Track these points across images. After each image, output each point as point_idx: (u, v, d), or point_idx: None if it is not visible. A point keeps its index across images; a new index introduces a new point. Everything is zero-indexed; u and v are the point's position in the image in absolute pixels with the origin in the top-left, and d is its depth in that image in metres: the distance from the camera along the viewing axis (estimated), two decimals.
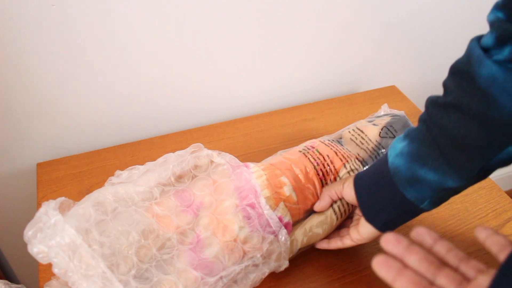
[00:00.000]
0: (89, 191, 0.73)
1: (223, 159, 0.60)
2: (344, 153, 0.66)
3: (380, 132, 0.68)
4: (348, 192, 0.57)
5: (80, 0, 0.69)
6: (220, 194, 0.58)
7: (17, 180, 0.85)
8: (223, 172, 0.59)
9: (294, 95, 0.97)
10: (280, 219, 0.58)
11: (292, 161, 0.63)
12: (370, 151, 0.67)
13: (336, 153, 0.65)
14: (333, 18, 0.89)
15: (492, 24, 0.44)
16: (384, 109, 0.76)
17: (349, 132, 0.70)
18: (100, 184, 0.74)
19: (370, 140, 0.68)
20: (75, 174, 0.76)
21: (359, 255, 0.65)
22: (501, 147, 0.45)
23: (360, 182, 0.56)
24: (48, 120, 0.81)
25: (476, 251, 0.66)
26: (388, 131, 0.68)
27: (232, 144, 0.83)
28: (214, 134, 0.85)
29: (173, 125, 0.90)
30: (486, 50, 0.44)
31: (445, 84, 0.48)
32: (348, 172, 0.64)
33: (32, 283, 1.01)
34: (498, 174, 1.52)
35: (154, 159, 0.79)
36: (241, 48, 0.86)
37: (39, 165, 0.78)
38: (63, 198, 0.53)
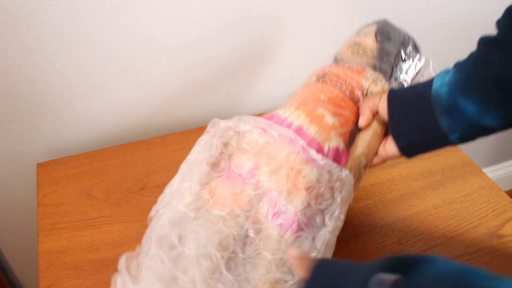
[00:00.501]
0: (89, 191, 0.73)
1: (248, 125, 0.57)
2: (357, 66, 0.64)
3: (375, 39, 0.67)
4: (383, 106, 0.56)
5: (80, 0, 0.69)
6: (270, 158, 0.54)
7: (17, 180, 0.85)
8: (253, 141, 0.55)
9: None
10: (337, 149, 0.55)
11: (317, 92, 0.60)
12: (376, 58, 0.65)
13: (350, 69, 0.63)
14: (333, 18, 0.89)
15: None
16: (360, 25, 0.73)
17: (347, 49, 0.67)
18: (100, 184, 0.74)
19: (371, 49, 0.66)
20: (75, 174, 0.76)
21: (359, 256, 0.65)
22: None
23: (394, 99, 0.55)
24: (48, 120, 0.81)
25: (476, 251, 0.66)
26: (382, 35, 0.67)
27: None
28: None
29: (173, 125, 0.90)
30: None
31: (498, 23, 0.49)
32: (370, 82, 0.62)
33: (32, 283, 1.01)
34: (498, 174, 1.52)
35: (154, 159, 0.79)
36: (241, 48, 0.86)
37: (39, 165, 0.78)
38: (123, 258, 0.51)
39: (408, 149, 0.55)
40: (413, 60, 0.67)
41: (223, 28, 0.82)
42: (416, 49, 0.68)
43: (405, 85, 0.65)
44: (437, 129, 0.52)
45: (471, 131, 0.51)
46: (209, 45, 0.83)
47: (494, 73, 0.47)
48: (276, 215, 0.51)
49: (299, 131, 0.54)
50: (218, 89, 0.90)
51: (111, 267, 0.62)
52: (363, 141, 0.58)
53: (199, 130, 0.86)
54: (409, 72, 0.66)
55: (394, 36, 0.67)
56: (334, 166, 0.54)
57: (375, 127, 0.58)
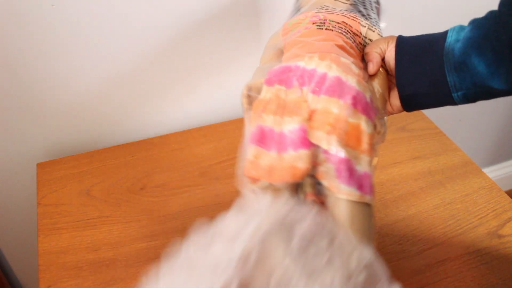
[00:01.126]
0: (89, 191, 0.73)
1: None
2: (349, 13, 0.61)
3: None
4: (391, 53, 0.55)
5: (80, 0, 0.69)
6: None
7: (17, 180, 0.85)
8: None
9: None
10: (370, 99, 0.53)
11: (329, 39, 0.56)
12: (359, 4, 0.63)
13: (344, 16, 0.60)
14: None
15: None
16: None
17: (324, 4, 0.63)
18: (100, 184, 0.74)
19: None
20: (75, 174, 0.76)
21: None
22: None
23: (403, 46, 0.54)
24: (48, 120, 0.81)
25: (475, 251, 0.66)
26: None
27: (232, 144, 0.83)
28: (214, 134, 0.85)
29: (173, 125, 0.90)
30: None
31: None
32: (367, 29, 0.60)
33: (32, 283, 1.01)
34: (498, 174, 1.52)
35: (154, 159, 0.79)
36: (240, 48, 0.86)
37: (39, 165, 0.78)
38: None
39: (410, 101, 0.54)
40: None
41: (223, 28, 0.82)
42: None
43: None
44: (443, 84, 0.51)
45: (476, 92, 0.51)
46: (209, 44, 0.83)
47: (511, 35, 0.46)
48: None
49: (338, 82, 0.50)
50: (218, 89, 0.90)
51: (111, 267, 0.62)
52: (376, 86, 0.56)
53: (199, 130, 0.86)
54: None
55: None
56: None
57: (383, 72, 0.56)
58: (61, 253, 0.64)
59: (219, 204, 0.71)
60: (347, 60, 0.53)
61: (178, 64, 0.83)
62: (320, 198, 0.49)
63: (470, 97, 0.52)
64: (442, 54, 0.51)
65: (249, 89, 0.53)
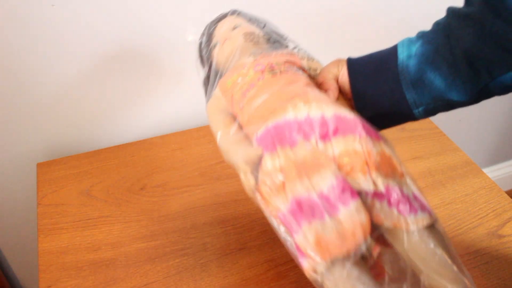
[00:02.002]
0: (89, 191, 0.73)
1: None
2: (282, 51, 0.58)
3: (250, 24, 0.62)
4: (344, 76, 0.54)
5: (80, 0, 0.69)
6: None
7: (17, 180, 0.85)
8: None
9: None
10: None
11: (295, 81, 0.53)
12: (272, 40, 0.61)
13: (281, 54, 0.57)
14: (333, 18, 0.89)
15: None
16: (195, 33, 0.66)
17: (244, 42, 0.59)
18: (100, 184, 0.74)
19: (259, 35, 0.61)
20: (75, 174, 0.76)
21: None
22: (508, 68, 0.46)
23: (355, 68, 0.53)
24: (48, 120, 0.81)
25: (475, 251, 0.66)
26: (252, 19, 0.63)
27: None
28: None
29: (173, 125, 0.90)
30: None
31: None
32: (306, 60, 0.58)
33: (32, 283, 1.01)
34: (498, 174, 1.52)
35: (154, 159, 0.79)
36: None
37: (39, 165, 0.78)
38: None
39: (372, 122, 0.51)
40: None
41: None
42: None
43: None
44: (402, 102, 0.50)
45: (436, 105, 0.50)
46: None
47: (465, 47, 0.46)
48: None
49: (340, 118, 0.47)
50: None
51: (111, 267, 0.62)
52: None
53: (199, 130, 0.86)
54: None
55: (257, 17, 0.64)
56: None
57: (341, 96, 0.54)
58: (61, 253, 0.64)
59: (219, 204, 0.71)
60: (324, 95, 0.51)
61: (178, 64, 0.83)
62: (385, 245, 0.45)
63: (430, 111, 0.51)
64: (397, 72, 0.50)
65: (246, 164, 0.47)
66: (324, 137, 0.45)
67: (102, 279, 0.60)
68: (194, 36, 0.63)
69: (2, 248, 0.94)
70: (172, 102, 0.88)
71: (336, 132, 0.45)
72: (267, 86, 0.51)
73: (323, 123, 0.46)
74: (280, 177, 0.44)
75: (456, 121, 1.22)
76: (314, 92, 0.50)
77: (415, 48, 0.50)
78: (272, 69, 0.53)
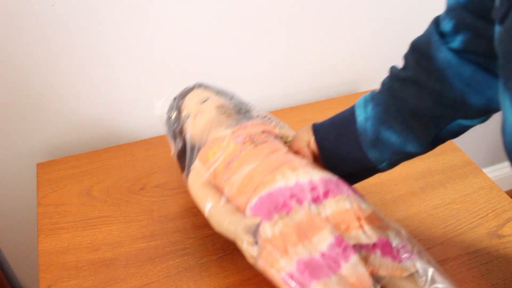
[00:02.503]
0: (89, 191, 0.73)
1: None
2: (254, 121, 0.61)
3: (217, 96, 0.65)
4: (313, 143, 0.59)
5: (80, 0, 0.69)
6: None
7: (17, 180, 0.85)
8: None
9: (294, 95, 0.97)
10: None
11: (277, 150, 0.56)
12: (242, 110, 0.65)
13: (256, 125, 0.60)
14: (333, 18, 0.89)
15: (451, 9, 0.47)
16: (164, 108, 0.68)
17: (216, 115, 0.62)
18: (100, 184, 0.74)
19: (229, 106, 0.64)
20: (75, 174, 0.76)
21: None
22: (452, 119, 0.51)
23: (320, 134, 0.58)
24: (48, 120, 0.81)
25: (475, 251, 0.66)
26: (218, 91, 0.65)
27: None
28: None
29: None
30: (443, 35, 0.48)
31: (406, 58, 0.53)
32: (278, 128, 0.63)
33: (32, 283, 1.01)
34: (498, 174, 1.52)
35: (154, 159, 0.79)
36: (241, 48, 0.86)
37: (39, 165, 0.78)
38: None
39: (345, 180, 0.56)
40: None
41: (223, 28, 0.82)
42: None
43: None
44: (366, 161, 0.55)
45: (397, 158, 0.55)
46: (209, 45, 0.83)
47: (410, 107, 0.51)
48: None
49: (327, 181, 0.51)
50: None
51: (111, 267, 0.62)
52: None
53: None
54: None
55: (222, 89, 0.68)
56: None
57: (315, 161, 0.58)
58: (61, 253, 0.64)
59: None
60: (305, 160, 0.55)
61: (178, 65, 0.83)
62: None
63: (393, 164, 0.56)
64: (357, 134, 0.54)
65: (244, 233, 0.49)
66: (316, 200, 0.49)
67: (102, 279, 0.60)
68: (160, 110, 0.67)
69: (2, 248, 0.94)
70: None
71: (326, 194, 0.49)
72: (250, 157, 0.54)
73: (313, 187, 0.50)
74: (282, 242, 0.46)
75: None
76: (297, 158, 0.54)
77: (369, 110, 0.54)
78: (252, 140, 0.56)
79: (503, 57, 0.34)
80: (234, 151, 0.55)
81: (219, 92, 0.66)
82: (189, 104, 0.63)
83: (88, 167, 0.77)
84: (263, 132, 0.59)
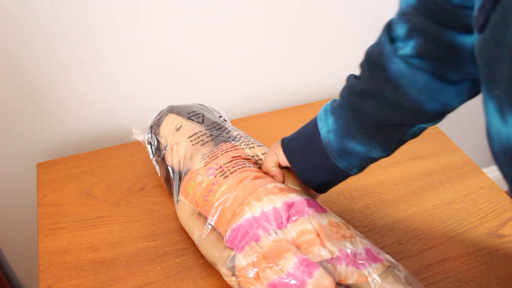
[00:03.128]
0: (89, 191, 0.73)
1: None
2: (226, 146, 0.66)
3: (191, 121, 0.69)
4: (283, 158, 0.61)
5: (80, 0, 0.69)
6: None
7: (17, 180, 0.85)
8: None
9: (294, 95, 0.97)
10: None
11: (242, 180, 0.60)
12: (215, 131, 0.68)
13: (225, 150, 0.65)
14: (333, 18, 0.89)
15: (404, 13, 0.47)
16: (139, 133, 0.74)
17: (189, 146, 0.66)
18: (100, 184, 0.74)
19: (201, 130, 0.68)
20: (75, 174, 0.76)
21: None
22: (413, 125, 0.52)
23: (290, 149, 0.59)
24: (48, 120, 0.81)
25: (475, 251, 0.66)
26: (190, 114, 0.70)
27: None
28: None
29: None
30: (395, 40, 0.48)
31: (361, 68, 0.53)
32: (249, 148, 0.66)
33: (32, 283, 1.01)
34: (498, 174, 1.51)
35: None
36: (241, 48, 0.86)
37: (39, 165, 0.78)
38: None
39: (320, 189, 0.61)
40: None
41: (224, 29, 0.82)
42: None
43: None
44: (337, 170, 0.56)
45: (365, 163, 0.56)
46: (209, 46, 0.83)
47: (371, 120, 0.52)
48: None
49: (289, 205, 0.56)
50: (218, 90, 0.90)
51: (111, 267, 0.62)
52: (294, 186, 0.62)
53: None
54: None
55: (193, 108, 0.71)
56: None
57: (287, 172, 0.62)
58: (61, 253, 0.64)
59: None
60: (272, 183, 0.59)
61: (179, 66, 0.83)
62: None
63: (363, 168, 0.57)
64: (323, 148, 0.56)
65: (223, 266, 0.56)
66: (280, 226, 0.54)
67: (102, 279, 0.60)
68: (139, 136, 0.72)
69: (2, 248, 0.94)
70: (172, 102, 0.88)
71: (288, 219, 0.55)
72: (221, 189, 0.59)
73: (276, 214, 0.55)
74: (253, 271, 0.52)
75: (456, 121, 1.22)
76: (261, 185, 0.58)
77: (331, 123, 0.55)
78: (222, 173, 0.61)
79: (484, 65, 0.34)
80: (208, 184, 0.61)
81: (190, 115, 0.70)
82: (165, 133, 0.69)
83: (88, 167, 0.77)
84: (232, 158, 0.63)
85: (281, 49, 0.89)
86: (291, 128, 0.87)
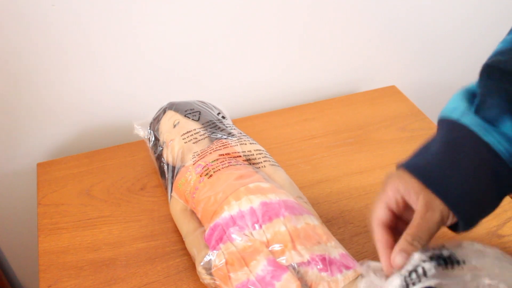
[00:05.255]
0: (89, 191, 0.73)
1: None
2: (217, 143, 0.65)
3: (188, 119, 0.68)
4: (410, 194, 0.42)
5: (80, 0, 0.69)
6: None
7: (17, 180, 0.85)
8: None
9: (294, 95, 0.97)
10: None
11: (228, 177, 0.60)
12: (209, 129, 0.68)
13: (216, 149, 0.64)
14: (332, 18, 0.89)
15: None
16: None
17: (182, 144, 0.66)
18: (100, 184, 0.74)
19: (195, 129, 0.67)
20: (75, 174, 0.76)
21: None
22: None
23: (454, 198, 0.40)
24: (48, 120, 0.81)
25: None
26: (186, 111, 0.69)
27: None
28: None
29: None
30: None
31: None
32: (241, 144, 0.66)
33: (32, 283, 1.01)
34: None
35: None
36: (241, 49, 0.86)
37: (39, 165, 0.78)
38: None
39: (473, 218, 0.43)
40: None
41: (224, 29, 0.82)
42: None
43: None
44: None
45: None
46: (210, 46, 0.83)
47: None
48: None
49: (265, 206, 0.55)
50: (218, 90, 0.90)
51: (111, 267, 0.62)
52: None
53: None
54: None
55: (192, 106, 0.71)
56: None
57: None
58: (61, 253, 0.64)
59: None
60: (254, 183, 0.58)
61: (179, 65, 0.83)
62: None
63: None
64: (506, 164, 0.39)
65: (199, 264, 0.55)
66: (255, 226, 0.54)
67: (102, 279, 0.60)
68: (140, 132, 0.73)
69: (2, 248, 0.94)
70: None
71: (263, 220, 0.54)
72: (206, 188, 0.59)
73: (253, 213, 0.55)
74: (224, 270, 0.52)
75: None
76: (242, 184, 0.57)
77: (507, 130, 0.40)
78: (207, 172, 0.61)
79: None
80: (195, 182, 0.61)
81: (187, 112, 0.70)
82: (163, 129, 0.69)
83: (88, 167, 0.77)
84: (219, 157, 0.63)
85: (281, 49, 0.89)
86: (291, 128, 0.87)
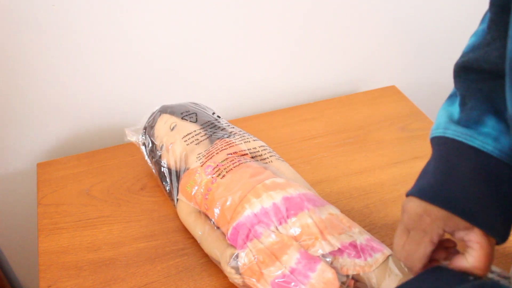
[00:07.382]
0: (89, 191, 0.73)
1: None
2: (220, 143, 0.65)
3: (185, 120, 0.69)
4: (436, 224, 0.41)
5: (80, 0, 0.69)
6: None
7: (17, 180, 0.85)
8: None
9: (294, 95, 0.97)
10: None
11: (243, 176, 0.60)
12: (209, 129, 0.68)
13: (220, 149, 0.64)
14: (332, 18, 0.89)
15: None
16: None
17: (184, 146, 0.66)
18: (100, 184, 0.74)
19: (195, 130, 0.68)
20: (75, 174, 0.76)
21: None
22: None
23: (463, 208, 0.40)
24: (48, 120, 0.81)
25: None
26: (183, 113, 0.69)
27: None
28: None
29: None
30: None
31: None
32: (245, 143, 0.66)
33: (32, 283, 1.01)
34: None
35: None
36: (241, 48, 0.86)
37: (39, 165, 0.78)
38: None
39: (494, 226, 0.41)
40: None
41: (225, 29, 0.82)
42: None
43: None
44: None
45: None
46: (210, 46, 0.83)
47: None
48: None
49: (287, 200, 0.57)
50: (218, 90, 0.90)
51: (111, 267, 0.62)
52: None
53: None
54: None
55: (186, 108, 0.71)
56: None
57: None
58: (61, 253, 0.64)
59: None
60: (270, 179, 0.59)
61: (179, 66, 0.83)
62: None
63: None
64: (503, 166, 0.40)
65: (227, 265, 0.56)
66: (281, 221, 0.55)
67: (102, 279, 0.61)
68: (133, 137, 0.72)
69: (2, 248, 0.94)
70: (172, 101, 0.88)
71: (289, 215, 0.55)
72: (220, 189, 0.59)
73: (276, 209, 0.55)
74: (257, 268, 0.53)
75: None
76: (259, 181, 0.58)
77: (491, 127, 0.40)
78: (219, 172, 0.61)
79: None
80: (207, 183, 0.61)
81: (183, 114, 0.70)
82: (160, 134, 0.69)
83: (88, 167, 0.77)
84: (228, 156, 0.63)
85: (280, 49, 0.89)
86: (291, 128, 0.87)
